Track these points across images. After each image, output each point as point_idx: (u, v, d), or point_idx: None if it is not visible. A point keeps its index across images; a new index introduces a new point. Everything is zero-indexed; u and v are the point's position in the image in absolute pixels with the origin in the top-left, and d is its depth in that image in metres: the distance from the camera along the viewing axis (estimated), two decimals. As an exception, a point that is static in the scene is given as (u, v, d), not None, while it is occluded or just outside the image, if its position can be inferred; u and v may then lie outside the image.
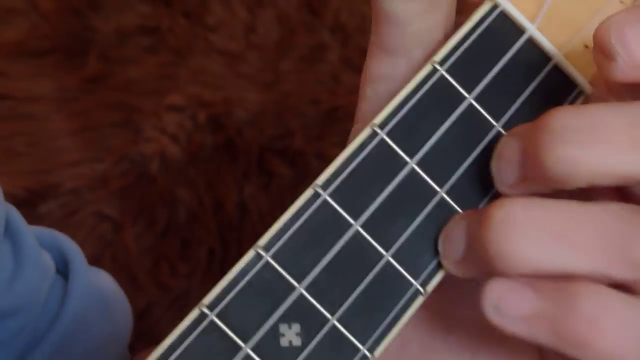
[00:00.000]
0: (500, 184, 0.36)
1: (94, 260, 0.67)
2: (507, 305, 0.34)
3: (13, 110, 1.00)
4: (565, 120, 0.34)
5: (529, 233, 0.34)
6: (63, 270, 0.61)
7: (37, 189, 0.96)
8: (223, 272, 0.34)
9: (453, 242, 0.36)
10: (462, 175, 0.37)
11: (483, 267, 0.35)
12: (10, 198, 0.58)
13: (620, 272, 0.34)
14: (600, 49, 0.35)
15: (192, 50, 1.04)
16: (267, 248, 0.34)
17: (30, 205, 0.94)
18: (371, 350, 0.35)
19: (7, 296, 0.56)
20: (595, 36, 0.35)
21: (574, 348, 0.33)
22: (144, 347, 0.67)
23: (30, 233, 0.59)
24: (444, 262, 0.36)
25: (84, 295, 0.60)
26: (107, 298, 0.64)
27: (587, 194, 0.38)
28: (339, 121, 1.01)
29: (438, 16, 0.39)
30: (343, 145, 0.37)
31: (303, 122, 1.01)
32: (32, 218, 0.60)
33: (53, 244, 0.62)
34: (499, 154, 0.36)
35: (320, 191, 0.35)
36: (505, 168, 0.36)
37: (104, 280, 0.65)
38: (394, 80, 0.39)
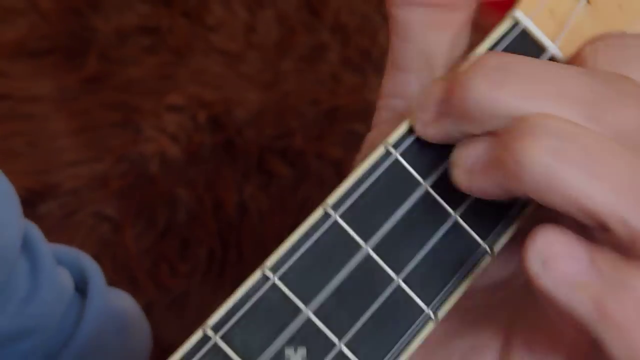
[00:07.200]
0: (417, 122, 0.34)
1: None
2: (557, 263, 0.30)
3: (12, 110, 1.00)
4: (498, 61, 0.32)
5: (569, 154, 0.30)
6: (83, 288, 0.60)
7: (36, 189, 0.95)
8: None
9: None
10: (478, 198, 0.36)
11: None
12: (10, 198, 0.58)
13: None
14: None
15: (192, 50, 1.04)
16: (274, 269, 0.33)
17: (29, 205, 0.94)
18: None
19: (21, 317, 0.55)
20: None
21: (612, 332, 0.30)
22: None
23: (49, 253, 0.58)
24: None
25: (100, 316, 0.59)
26: (125, 319, 0.63)
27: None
28: (338, 121, 1.01)
29: (445, 36, 0.38)
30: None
31: (303, 122, 1.01)
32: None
33: (74, 262, 0.61)
34: (424, 91, 0.34)
35: (331, 212, 0.34)
36: (426, 104, 0.34)
37: (123, 301, 0.64)
38: (405, 98, 0.38)
